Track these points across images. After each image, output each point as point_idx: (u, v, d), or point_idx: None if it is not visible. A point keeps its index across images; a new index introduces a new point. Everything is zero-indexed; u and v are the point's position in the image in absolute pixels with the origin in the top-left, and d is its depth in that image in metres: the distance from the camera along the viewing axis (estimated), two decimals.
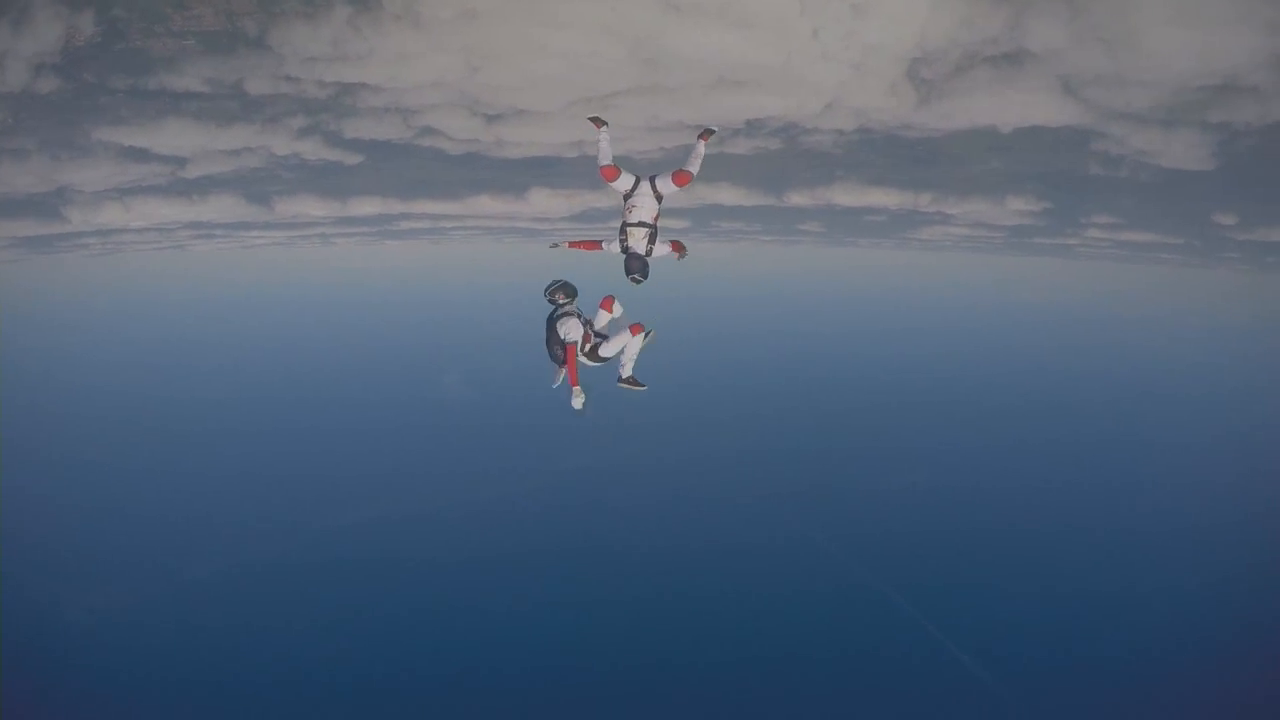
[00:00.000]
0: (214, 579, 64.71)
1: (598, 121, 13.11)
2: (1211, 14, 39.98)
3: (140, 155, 59.55)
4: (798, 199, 75.75)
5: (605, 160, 12.48)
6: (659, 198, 12.28)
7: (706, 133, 12.78)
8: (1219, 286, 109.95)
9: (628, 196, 12.31)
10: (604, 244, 12.46)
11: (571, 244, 12.69)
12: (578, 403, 12.02)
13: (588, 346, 12.49)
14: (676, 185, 12.12)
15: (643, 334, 12.64)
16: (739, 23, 43.76)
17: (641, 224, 12.17)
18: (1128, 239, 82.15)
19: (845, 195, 73.78)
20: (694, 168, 12.19)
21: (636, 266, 12.05)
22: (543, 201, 75.58)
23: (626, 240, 12.21)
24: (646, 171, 12.59)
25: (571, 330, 12.13)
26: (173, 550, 67.86)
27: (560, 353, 12.17)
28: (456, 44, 46.14)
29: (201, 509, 75.63)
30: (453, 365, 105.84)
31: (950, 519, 74.13)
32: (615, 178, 12.36)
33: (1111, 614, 60.51)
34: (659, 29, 44.39)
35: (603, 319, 12.68)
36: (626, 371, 12.95)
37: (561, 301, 12.38)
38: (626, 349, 12.71)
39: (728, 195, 72.74)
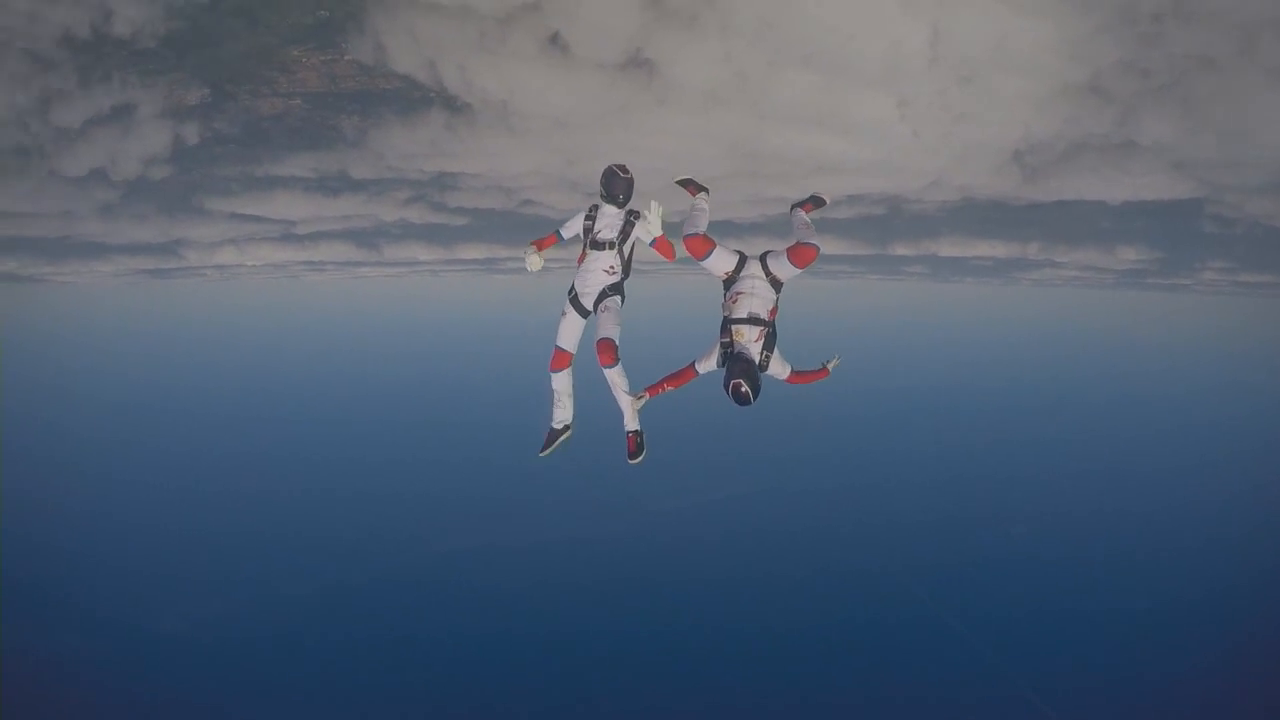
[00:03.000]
0: (313, 594, 66.07)
1: (693, 186, 10.38)
2: None
3: (253, 219, 60.91)
4: (902, 249, 74.91)
5: (694, 229, 9.33)
6: (776, 284, 9.08)
7: (813, 203, 10.16)
8: None
9: (730, 283, 9.09)
10: (698, 365, 8.90)
11: (654, 390, 9.05)
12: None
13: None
14: (796, 266, 9.03)
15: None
16: (838, 129, 43.33)
17: (755, 320, 8.79)
18: (1245, 280, 79.58)
19: (950, 248, 72.73)
20: (813, 239, 9.26)
21: (742, 372, 8.23)
22: None
23: (731, 342, 8.73)
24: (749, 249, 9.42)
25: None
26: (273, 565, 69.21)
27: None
28: (550, 146, 46.48)
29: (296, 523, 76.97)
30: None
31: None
32: (707, 253, 9.10)
33: None
34: (756, 134, 44.19)
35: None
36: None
37: None
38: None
39: (830, 246, 72.04)
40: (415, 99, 42.35)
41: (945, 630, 64.24)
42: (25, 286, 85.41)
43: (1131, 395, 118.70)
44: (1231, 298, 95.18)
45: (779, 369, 9.05)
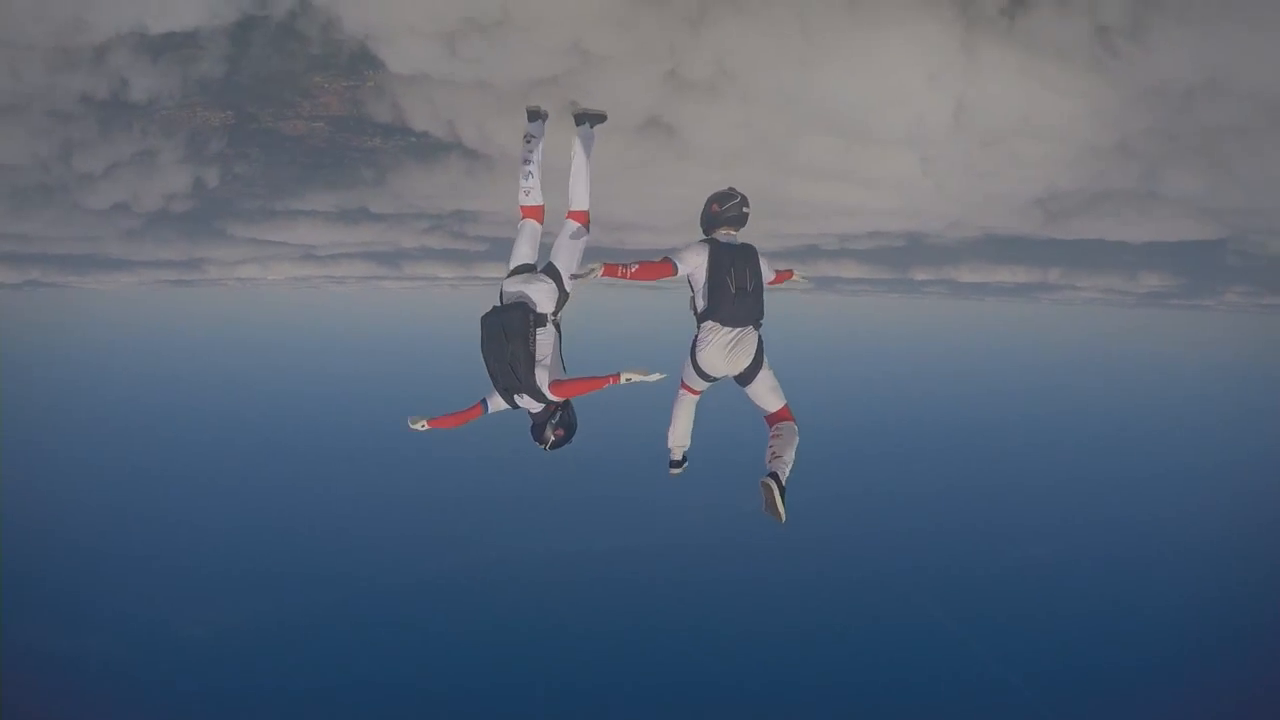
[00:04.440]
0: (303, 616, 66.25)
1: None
2: None
3: (274, 243, 61.15)
4: (922, 274, 74.67)
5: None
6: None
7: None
8: None
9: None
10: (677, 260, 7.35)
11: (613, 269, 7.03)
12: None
13: None
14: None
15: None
16: (859, 183, 43.07)
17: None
18: (1269, 302, 79.04)
19: (970, 274, 72.55)
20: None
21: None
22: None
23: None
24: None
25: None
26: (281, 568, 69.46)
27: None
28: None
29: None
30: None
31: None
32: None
33: None
34: (778, 186, 43.94)
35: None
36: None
37: None
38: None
39: (849, 270, 71.89)
40: (433, 146, 42.13)
41: (958, 642, 64.03)
42: (46, 292, 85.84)
43: (1148, 409, 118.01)
44: (1256, 316, 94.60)
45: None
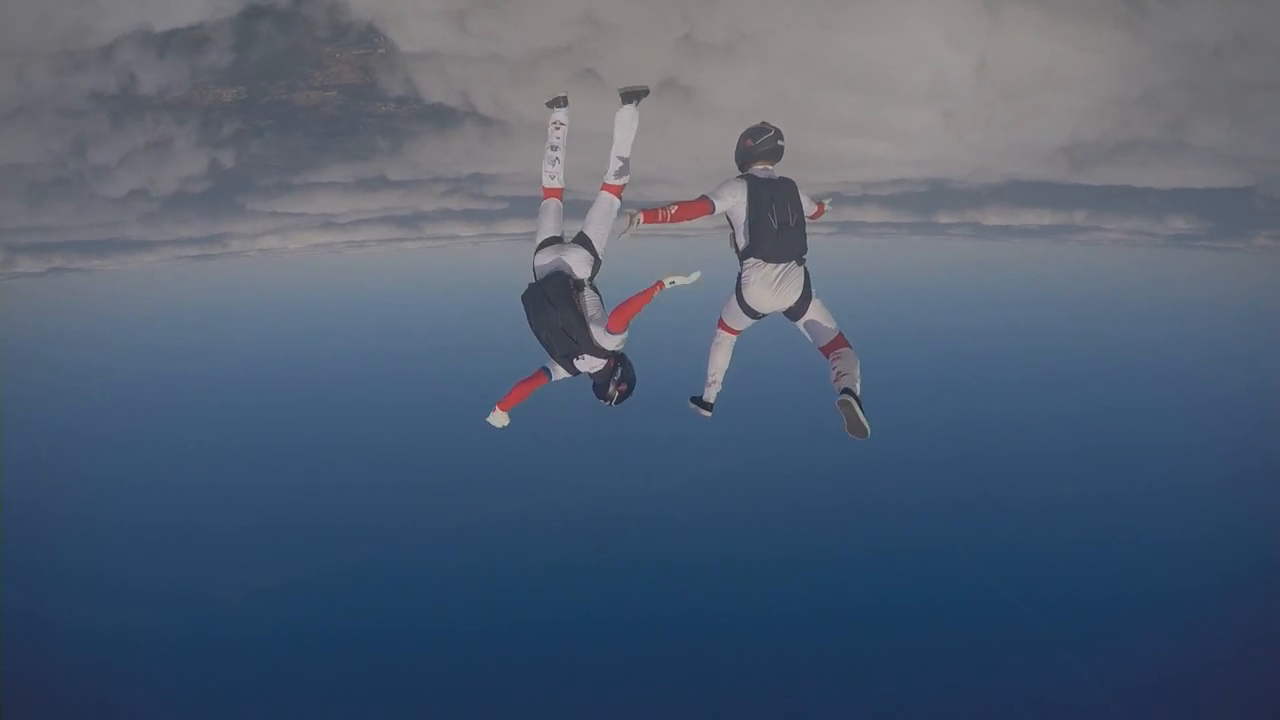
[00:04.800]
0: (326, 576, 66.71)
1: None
2: None
3: (294, 215, 61.18)
4: (946, 219, 73.97)
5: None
6: None
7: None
8: None
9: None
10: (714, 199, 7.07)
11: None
12: None
13: None
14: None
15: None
16: (881, 135, 42.60)
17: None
18: None
19: (994, 217, 71.87)
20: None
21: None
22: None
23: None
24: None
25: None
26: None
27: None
28: (589, 152, 45.81)
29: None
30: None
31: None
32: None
33: None
34: (797, 140, 43.26)
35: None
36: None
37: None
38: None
39: (872, 215, 71.17)
40: (448, 115, 41.75)
41: (969, 571, 64.10)
42: (71, 277, 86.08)
43: (1170, 347, 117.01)
44: None
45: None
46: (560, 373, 7.45)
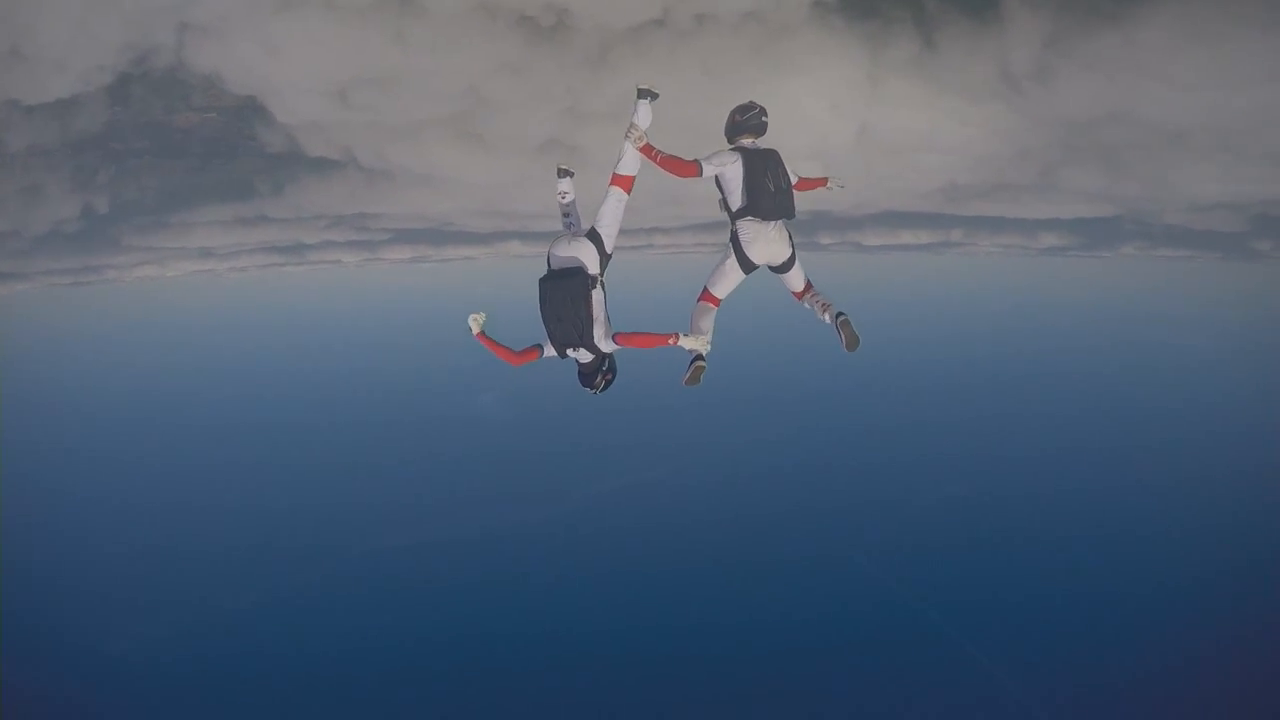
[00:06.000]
0: (252, 607, 65.54)
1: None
2: None
3: (172, 250, 60.03)
4: (827, 239, 75.03)
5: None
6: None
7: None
8: None
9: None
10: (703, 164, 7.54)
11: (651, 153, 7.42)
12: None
13: None
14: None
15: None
16: None
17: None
18: (1163, 255, 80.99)
19: (874, 239, 73.38)
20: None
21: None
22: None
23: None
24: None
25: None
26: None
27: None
28: (469, 194, 45.82)
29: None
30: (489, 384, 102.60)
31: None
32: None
33: None
34: (685, 185, 43.61)
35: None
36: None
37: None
38: None
39: None
40: (330, 166, 41.24)
41: (925, 622, 64.74)
42: None
43: (1049, 353, 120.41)
44: (1150, 264, 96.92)
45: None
46: (551, 352, 7.91)
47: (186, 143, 41.02)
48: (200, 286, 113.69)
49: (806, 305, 8.31)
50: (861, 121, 34.57)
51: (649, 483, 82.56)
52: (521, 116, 32.70)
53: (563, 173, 8.65)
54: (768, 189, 7.68)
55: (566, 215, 8.59)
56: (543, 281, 7.72)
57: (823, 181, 8.55)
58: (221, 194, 46.07)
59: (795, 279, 8.26)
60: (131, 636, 60.54)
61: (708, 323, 8.20)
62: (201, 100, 32.69)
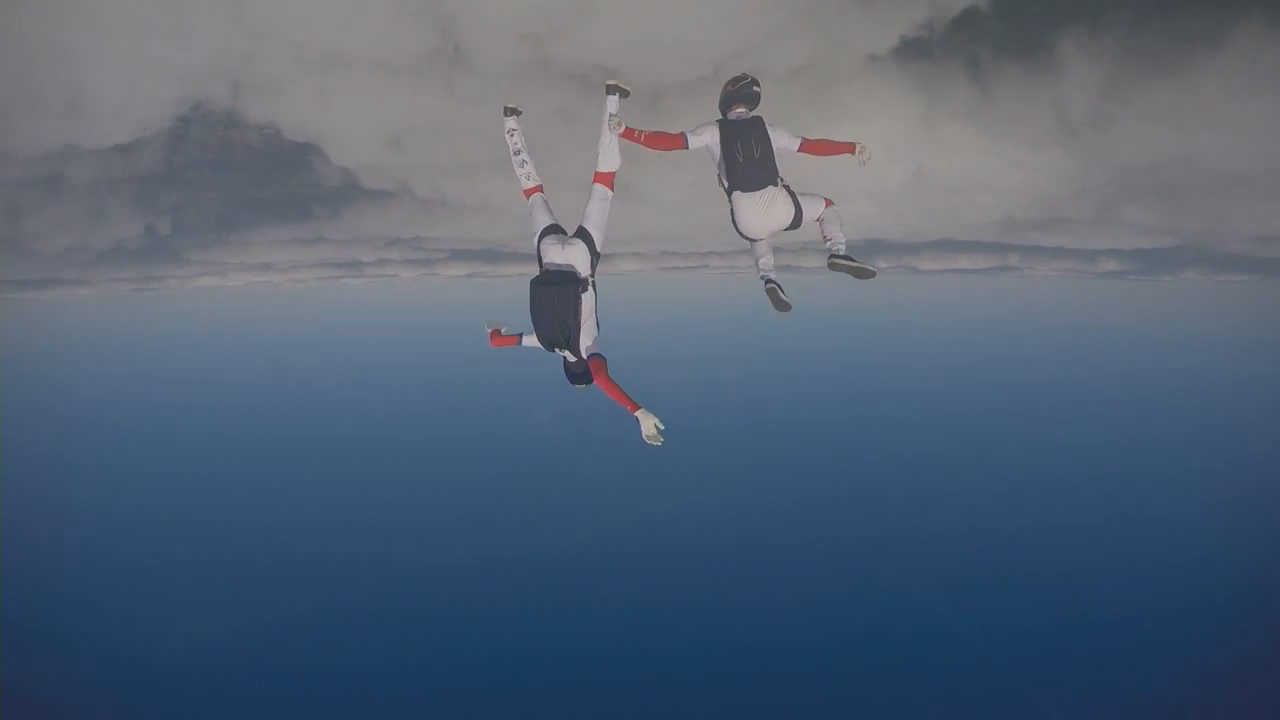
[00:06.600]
0: (304, 614, 65.85)
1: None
2: None
3: (233, 265, 60.84)
4: (883, 263, 74.51)
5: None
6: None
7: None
8: None
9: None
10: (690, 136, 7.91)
11: (631, 133, 7.94)
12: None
13: None
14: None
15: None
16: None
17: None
18: (1225, 280, 79.87)
19: (930, 264, 72.95)
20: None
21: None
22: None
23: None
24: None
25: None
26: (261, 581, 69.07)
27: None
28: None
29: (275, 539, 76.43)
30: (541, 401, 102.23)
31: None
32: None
33: None
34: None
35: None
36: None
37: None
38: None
39: (811, 261, 71.53)
40: (385, 198, 41.68)
41: (958, 640, 64.00)
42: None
43: (1111, 376, 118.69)
44: (1211, 290, 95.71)
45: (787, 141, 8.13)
46: (533, 342, 8.19)
47: (245, 174, 41.66)
48: (260, 294, 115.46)
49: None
50: (917, 164, 34.36)
51: (702, 506, 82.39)
52: (573, 158, 32.62)
53: (509, 111, 8.76)
54: (736, 159, 7.82)
55: (518, 153, 8.67)
56: (535, 284, 7.81)
57: (850, 147, 8.24)
58: (280, 214, 46.63)
59: (812, 212, 8.34)
60: (189, 640, 61.74)
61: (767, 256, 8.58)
62: (258, 140, 33.04)
